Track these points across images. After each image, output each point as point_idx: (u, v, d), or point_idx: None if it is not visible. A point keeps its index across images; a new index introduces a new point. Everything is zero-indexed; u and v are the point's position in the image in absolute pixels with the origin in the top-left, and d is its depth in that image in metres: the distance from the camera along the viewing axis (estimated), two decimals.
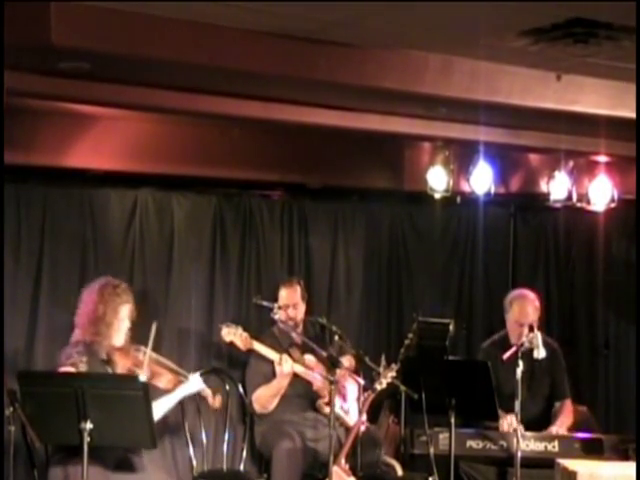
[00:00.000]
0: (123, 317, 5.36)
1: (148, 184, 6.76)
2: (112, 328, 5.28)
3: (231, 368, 6.76)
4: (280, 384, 6.36)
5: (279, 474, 6.16)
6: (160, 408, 5.40)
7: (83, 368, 5.09)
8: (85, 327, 5.25)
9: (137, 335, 5.60)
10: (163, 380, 5.51)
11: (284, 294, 6.60)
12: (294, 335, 6.52)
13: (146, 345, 5.33)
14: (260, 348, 6.38)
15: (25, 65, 4.63)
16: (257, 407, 6.46)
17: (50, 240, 6.41)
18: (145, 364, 5.21)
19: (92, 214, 6.56)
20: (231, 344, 6.42)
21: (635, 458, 5.98)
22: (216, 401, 5.87)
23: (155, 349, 5.51)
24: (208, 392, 5.77)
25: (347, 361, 6.48)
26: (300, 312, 6.62)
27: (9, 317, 6.13)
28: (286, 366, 6.30)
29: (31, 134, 5.97)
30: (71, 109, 5.81)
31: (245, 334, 6.37)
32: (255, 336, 6.45)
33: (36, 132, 6.01)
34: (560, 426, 6.47)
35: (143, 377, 4.89)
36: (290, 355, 6.42)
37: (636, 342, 7.58)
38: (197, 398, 6.19)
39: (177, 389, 5.55)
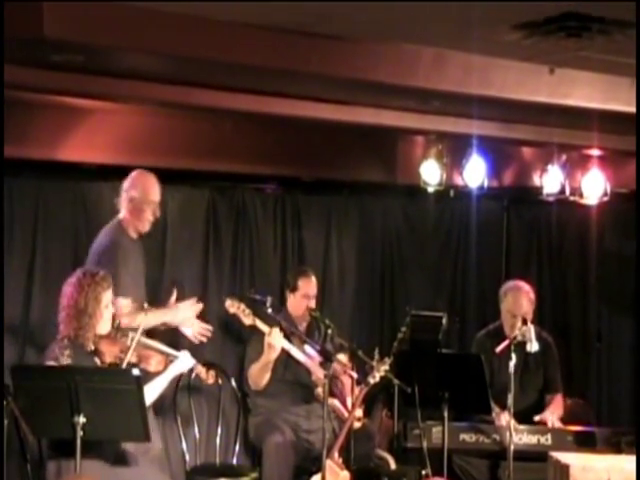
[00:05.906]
0: (106, 305, 5.31)
1: None
2: (95, 318, 5.23)
3: (224, 361, 6.76)
4: (267, 357, 6.27)
5: (269, 468, 6.16)
6: (153, 389, 5.37)
7: (66, 362, 5.05)
8: (68, 321, 5.20)
9: None
10: (153, 362, 5.47)
11: (309, 284, 6.62)
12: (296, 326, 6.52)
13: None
14: (259, 324, 6.30)
15: (18, 58, 4.62)
16: (250, 383, 6.44)
17: (43, 233, 6.40)
18: (132, 349, 5.17)
19: (85, 207, 6.54)
20: (234, 316, 6.37)
21: (628, 451, 6.00)
22: (209, 376, 5.84)
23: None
24: (200, 368, 5.74)
25: (343, 357, 6.46)
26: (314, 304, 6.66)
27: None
28: (274, 337, 6.23)
29: (24, 127, 5.95)
30: (64, 102, 5.80)
31: (248, 310, 6.32)
32: (258, 314, 6.36)
33: (29, 125, 6.00)
34: (552, 412, 6.47)
35: (137, 371, 4.86)
36: (289, 339, 6.37)
37: (636, 336, 7.58)
38: (189, 390, 6.20)
39: (168, 368, 5.51)
